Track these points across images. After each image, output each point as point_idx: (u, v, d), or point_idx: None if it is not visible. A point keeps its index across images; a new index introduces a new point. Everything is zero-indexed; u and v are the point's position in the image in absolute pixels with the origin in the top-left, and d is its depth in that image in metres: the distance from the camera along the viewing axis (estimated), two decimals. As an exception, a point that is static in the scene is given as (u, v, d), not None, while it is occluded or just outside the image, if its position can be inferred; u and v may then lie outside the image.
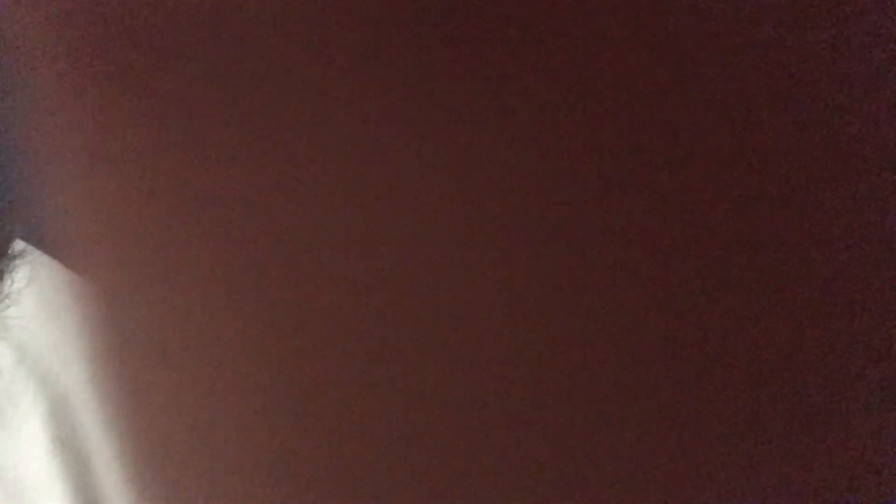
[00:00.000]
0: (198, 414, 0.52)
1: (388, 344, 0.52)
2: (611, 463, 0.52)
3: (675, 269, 0.49)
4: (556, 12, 0.46)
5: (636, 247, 0.49)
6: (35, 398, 1.84)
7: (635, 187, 0.48)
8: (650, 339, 0.50)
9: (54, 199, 0.54)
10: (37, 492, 1.84)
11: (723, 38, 0.44)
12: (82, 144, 0.51)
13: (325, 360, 0.50)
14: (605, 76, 0.46)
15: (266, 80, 0.49)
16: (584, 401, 0.51)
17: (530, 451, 0.52)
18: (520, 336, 0.52)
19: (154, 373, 0.55)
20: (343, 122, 0.49)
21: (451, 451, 0.53)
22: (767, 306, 0.48)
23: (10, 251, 1.80)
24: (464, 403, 0.52)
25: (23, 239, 1.81)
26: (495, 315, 0.52)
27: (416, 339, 0.52)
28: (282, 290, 0.49)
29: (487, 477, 0.53)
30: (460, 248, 0.51)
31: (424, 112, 0.50)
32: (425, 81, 0.49)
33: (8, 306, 1.80)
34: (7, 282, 1.80)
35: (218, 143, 0.48)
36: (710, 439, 0.51)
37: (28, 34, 0.52)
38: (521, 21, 0.46)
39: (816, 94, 0.45)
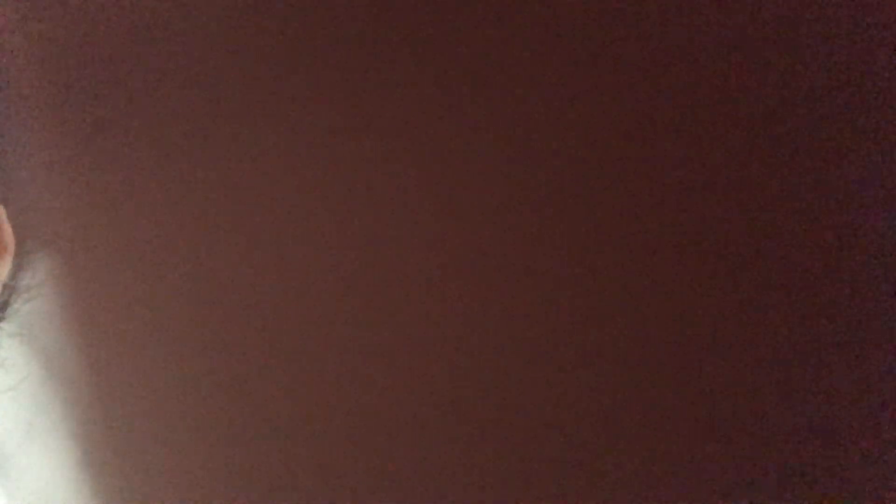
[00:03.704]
0: (190, 424, 0.60)
1: (380, 344, 0.61)
2: (608, 462, 0.62)
3: (674, 270, 0.58)
4: (554, 14, 0.54)
5: (634, 247, 0.59)
6: (64, 408, 1.63)
7: (632, 187, 0.56)
8: (648, 340, 0.60)
9: (57, 199, 0.61)
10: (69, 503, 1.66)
11: (722, 38, 0.53)
12: (81, 147, 0.57)
13: (317, 360, 0.57)
14: (603, 77, 0.54)
15: (260, 82, 0.57)
16: (579, 401, 0.61)
17: (526, 452, 0.62)
18: (515, 337, 0.61)
19: (144, 380, 0.62)
20: (338, 123, 0.58)
21: (443, 452, 0.62)
22: (767, 306, 0.57)
23: (28, 244, 1.57)
24: (456, 405, 0.60)
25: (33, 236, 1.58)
26: (492, 314, 0.60)
27: (409, 340, 0.61)
28: (275, 290, 0.56)
29: (481, 476, 0.63)
30: (457, 248, 0.59)
31: (420, 112, 0.58)
32: (421, 82, 0.58)
33: (28, 300, 1.59)
34: (27, 274, 1.58)
35: (213, 144, 0.56)
36: (707, 440, 0.62)
37: (24, 39, 0.61)
38: (518, 22, 0.55)
39: (817, 94, 0.52)
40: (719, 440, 0.65)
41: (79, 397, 1.71)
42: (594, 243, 0.60)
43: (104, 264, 0.83)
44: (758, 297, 0.62)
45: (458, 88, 0.53)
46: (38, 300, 1.68)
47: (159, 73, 0.57)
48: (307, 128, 0.56)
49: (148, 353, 0.89)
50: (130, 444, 1.37)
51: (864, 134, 0.65)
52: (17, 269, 1.64)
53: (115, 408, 1.08)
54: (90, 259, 0.85)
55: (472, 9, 0.52)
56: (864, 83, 0.61)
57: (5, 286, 1.58)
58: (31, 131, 0.89)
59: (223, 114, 0.57)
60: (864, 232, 0.65)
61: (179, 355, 0.81)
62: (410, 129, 0.54)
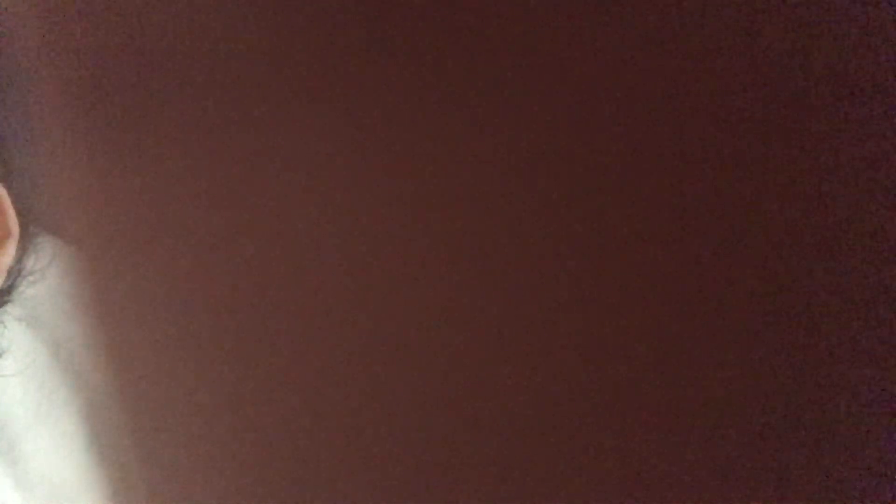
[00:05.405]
0: (198, 410, 0.56)
1: (385, 343, 0.53)
2: (608, 464, 0.54)
3: (674, 271, 0.51)
4: (553, 14, 0.48)
5: (634, 248, 0.51)
6: (71, 392, 1.63)
7: (632, 188, 0.50)
8: (648, 342, 0.52)
9: (61, 182, 0.58)
10: (76, 490, 1.66)
11: (722, 38, 0.46)
12: (88, 139, 0.54)
13: (322, 359, 0.52)
14: (602, 77, 0.49)
15: (260, 81, 0.53)
16: (579, 403, 0.53)
17: (526, 453, 0.55)
18: (516, 338, 0.54)
19: (152, 366, 0.58)
20: (337, 123, 0.52)
21: (445, 454, 0.55)
22: (766, 308, 0.50)
23: (32, 228, 1.57)
24: (457, 406, 0.54)
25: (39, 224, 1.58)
26: (492, 315, 0.54)
27: (411, 341, 0.54)
28: (280, 288, 0.52)
29: (482, 478, 0.56)
30: (457, 249, 0.53)
31: (420, 113, 0.52)
32: (421, 82, 0.51)
33: (33, 284, 1.59)
34: (31, 258, 1.58)
35: (216, 141, 0.52)
36: (707, 442, 0.53)
37: (29, 36, 0.56)
38: (516, 22, 0.49)
39: (816, 94, 0.45)
40: (719, 440, 0.64)
41: (85, 381, 1.71)
42: (595, 243, 0.59)
43: (110, 247, 0.81)
44: (757, 297, 0.61)
45: (460, 89, 0.51)
46: (43, 284, 1.68)
47: (170, 63, 0.55)
48: (319, 123, 0.55)
49: (155, 337, 0.88)
50: (138, 428, 1.36)
51: (864, 134, 0.64)
52: (22, 253, 1.64)
53: (121, 391, 1.07)
54: (95, 242, 0.83)
55: (473, 9, 0.51)
56: (864, 83, 0.60)
57: (10, 270, 1.58)
58: (34, 115, 0.88)
59: (233, 104, 0.56)
60: (864, 232, 0.64)
61: (187, 339, 0.80)
62: (414, 129, 0.52)
